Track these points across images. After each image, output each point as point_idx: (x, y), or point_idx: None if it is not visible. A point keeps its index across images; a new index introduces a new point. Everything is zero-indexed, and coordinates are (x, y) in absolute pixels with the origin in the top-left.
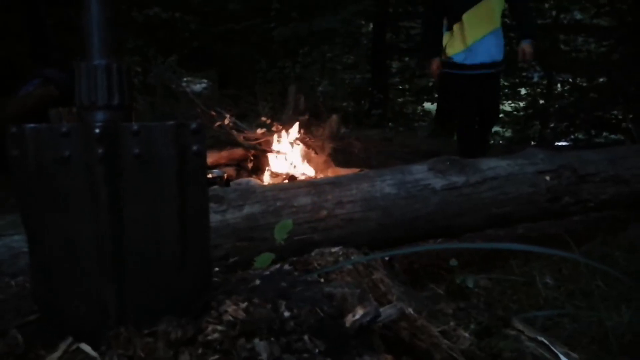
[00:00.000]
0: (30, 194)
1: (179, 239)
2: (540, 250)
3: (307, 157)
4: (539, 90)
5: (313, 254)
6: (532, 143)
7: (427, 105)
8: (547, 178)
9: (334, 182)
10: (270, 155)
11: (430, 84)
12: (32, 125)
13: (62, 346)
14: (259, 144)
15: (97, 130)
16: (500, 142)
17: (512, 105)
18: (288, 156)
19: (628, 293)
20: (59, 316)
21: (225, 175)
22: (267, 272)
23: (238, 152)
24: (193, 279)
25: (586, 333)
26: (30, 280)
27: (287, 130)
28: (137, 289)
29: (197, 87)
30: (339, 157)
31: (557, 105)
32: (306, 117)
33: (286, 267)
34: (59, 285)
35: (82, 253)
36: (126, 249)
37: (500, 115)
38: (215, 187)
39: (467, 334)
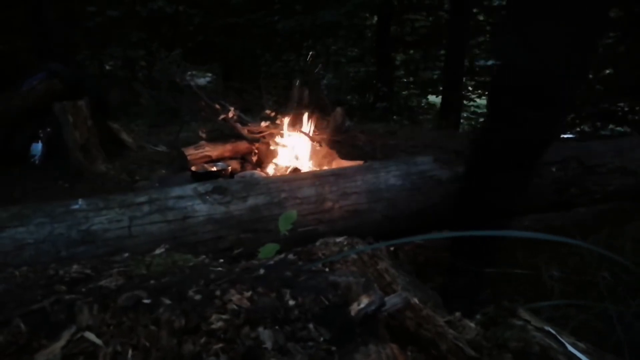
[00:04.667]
0: None
1: None
2: (543, 237)
3: (311, 150)
4: None
5: (317, 243)
6: None
7: (432, 98)
8: (554, 169)
9: (339, 174)
10: (274, 148)
11: (435, 77)
12: None
13: (66, 335)
14: (263, 137)
15: None
16: None
17: None
18: (292, 149)
19: (634, 284)
20: None
21: (230, 169)
22: (272, 262)
23: (242, 145)
24: None
25: (592, 324)
26: None
27: (291, 123)
28: None
29: (202, 81)
30: (343, 150)
31: None
32: (310, 109)
33: (290, 256)
34: None
35: None
36: None
37: None
38: (220, 179)
39: (472, 324)
